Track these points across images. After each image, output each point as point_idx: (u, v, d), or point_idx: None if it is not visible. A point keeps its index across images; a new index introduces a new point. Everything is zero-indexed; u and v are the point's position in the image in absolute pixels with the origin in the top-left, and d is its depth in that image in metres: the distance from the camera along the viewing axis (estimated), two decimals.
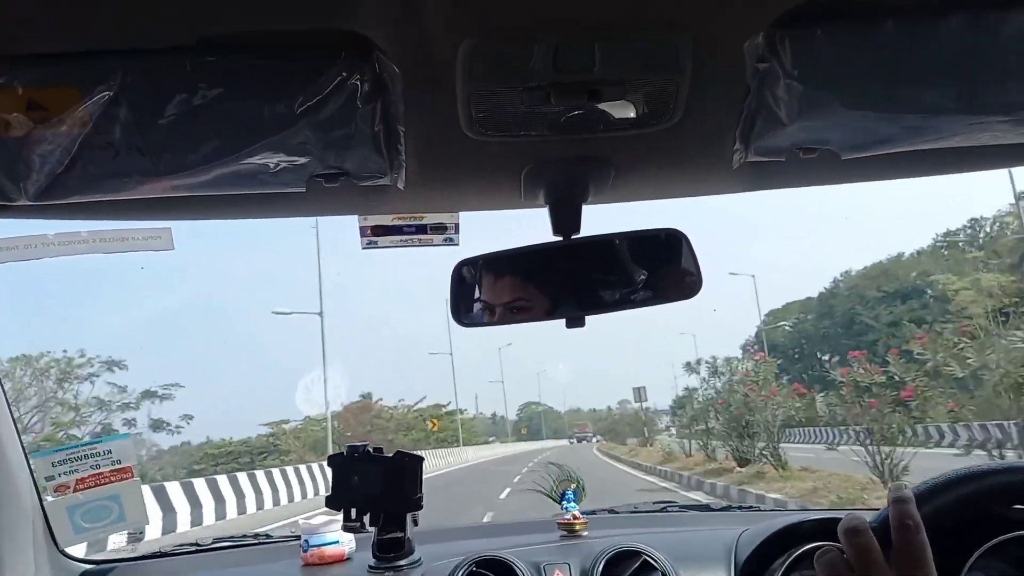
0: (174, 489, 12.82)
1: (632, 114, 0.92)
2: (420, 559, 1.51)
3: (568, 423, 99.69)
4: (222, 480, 14.87)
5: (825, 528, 0.81)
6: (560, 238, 1.10)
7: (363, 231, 1.33)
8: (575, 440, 69.69)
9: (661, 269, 1.11)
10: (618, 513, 2.01)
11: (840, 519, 0.79)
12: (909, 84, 0.85)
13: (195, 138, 0.87)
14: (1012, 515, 1.07)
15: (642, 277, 1.12)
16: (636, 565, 1.38)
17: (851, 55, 0.82)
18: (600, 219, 1.15)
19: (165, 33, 0.76)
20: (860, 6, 0.78)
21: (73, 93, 0.80)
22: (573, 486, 1.87)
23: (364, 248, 1.33)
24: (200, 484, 13.84)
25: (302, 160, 0.92)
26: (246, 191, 0.99)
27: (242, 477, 15.71)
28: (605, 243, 1.11)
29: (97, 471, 1.58)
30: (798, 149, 0.97)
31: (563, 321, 1.09)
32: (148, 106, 0.82)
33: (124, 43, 0.77)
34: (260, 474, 16.64)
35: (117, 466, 1.60)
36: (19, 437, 1.44)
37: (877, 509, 0.84)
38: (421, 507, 1.53)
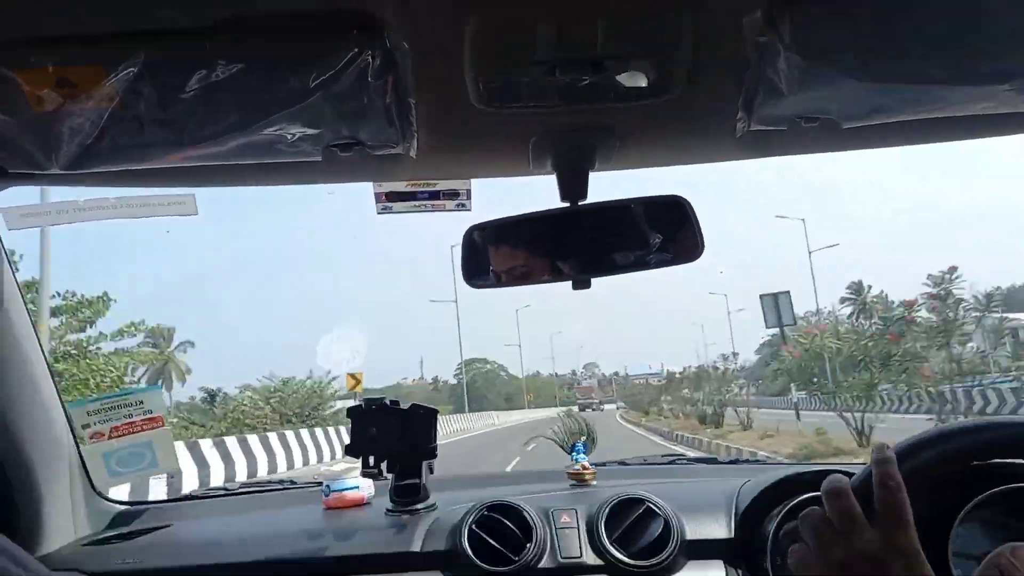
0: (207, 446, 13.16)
1: (637, 85, 0.95)
2: (435, 504, 1.59)
3: (528, 388, 77.07)
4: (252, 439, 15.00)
5: (822, 479, 0.85)
6: (568, 204, 1.14)
7: (378, 197, 1.37)
8: (580, 409, 48.90)
9: (665, 234, 1.15)
10: (628, 465, 2.06)
11: (836, 472, 0.82)
12: (905, 55, 0.87)
13: (216, 111, 0.91)
14: (999, 469, 1.10)
15: (646, 241, 1.15)
16: (640, 512, 1.43)
17: (848, 28, 0.83)
18: (609, 186, 1.18)
19: (185, 15, 0.80)
20: None
21: (99, 71, 0.84)
22: (583, 438, 1.92)
23: (379, 213, 1.37)
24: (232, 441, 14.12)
25: (317, 131, 0.95)
26: (265, 160, 1.04)
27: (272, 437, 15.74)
28: (611, 209, 1.14)
29: (130, 420, 1.67)
30: (799, 118, 0.99)
31: (569, 283, 1.14)
32: (170, 82, 0.86)
33: (146, 25, 0.81)
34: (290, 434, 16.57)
35: (148, 415, 1.68)
36: (56, 388, 1.52)
37: (865, 463, 0.87)
38: (435, 456, 1.60)
